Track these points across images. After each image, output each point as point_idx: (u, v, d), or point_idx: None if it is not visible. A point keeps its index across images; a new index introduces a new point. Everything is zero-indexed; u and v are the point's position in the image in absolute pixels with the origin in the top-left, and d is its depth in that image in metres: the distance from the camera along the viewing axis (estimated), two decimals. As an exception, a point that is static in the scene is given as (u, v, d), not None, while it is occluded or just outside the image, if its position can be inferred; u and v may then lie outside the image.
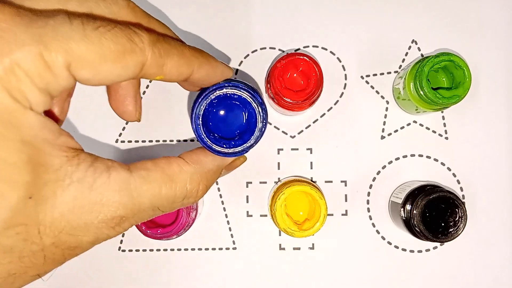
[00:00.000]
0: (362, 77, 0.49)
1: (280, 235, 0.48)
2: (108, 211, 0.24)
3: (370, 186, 0.49)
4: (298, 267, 0.48)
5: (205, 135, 0.30)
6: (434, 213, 0.43)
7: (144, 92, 0.49)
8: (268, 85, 0.43)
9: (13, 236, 0.21)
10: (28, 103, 0.21)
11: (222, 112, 0.31)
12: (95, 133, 0.49)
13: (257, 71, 0.49)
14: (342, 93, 0.49)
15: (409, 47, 0.49)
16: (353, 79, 0.49)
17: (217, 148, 0.30)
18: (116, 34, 0.22)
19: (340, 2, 0.49)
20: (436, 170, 0.48)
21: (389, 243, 0.48)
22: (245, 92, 0.29)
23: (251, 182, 0.49)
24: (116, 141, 0.49)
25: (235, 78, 0.49)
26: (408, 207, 0.44)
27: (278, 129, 0.49)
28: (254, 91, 0.30)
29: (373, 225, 0.48)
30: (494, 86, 0.49)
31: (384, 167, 0.49)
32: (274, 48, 0.49)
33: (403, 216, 0.44)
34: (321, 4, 0.49)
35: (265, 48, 0.49)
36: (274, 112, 0.49)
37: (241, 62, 0.49)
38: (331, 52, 0.49)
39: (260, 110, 0.30)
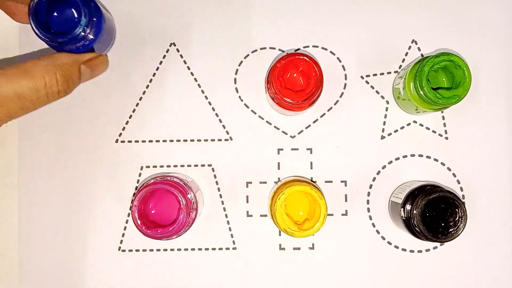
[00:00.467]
0: (362, 77, 0.49)
1: (280, 235, 0.48)
2: None
3: (370, 186, 0.49)
4: (298, 267, 0.48)
5: (38, 30, 0.37)
6: (434, 213, 0.43)
7: (144, 92, 0.49)
8: (268, 85, 0.43)
9: None
10: None
11: (56, 14, 0.39)
12: (95, 133, 0.49)
13: (257, 71, 0.49)
14: (342, 93, 0.49)
15: (409, 47, 0.49)
16: (353, 79, 0.49)
17: (45, 38, 0.37)
18: None
19: (340, 2, 0.49)
20: (436, 170, 0.48)
21: (389, 243, 0.48)
22: None
23: (251, 182, 0.49)
24: (116, 141, 0.49)
25: (235, 78, 0.49)
26: (408, 207, 0.44)
27: (278, 129, 0.49)
28: None
29: (373, 225, 0.48)
30: (494, 86, 0.49)
31: (384, 167, 0.49)
32: (274, 48, 0.49)
33: (403, 216, 0.44)
34: (321, 4, 0.49)
35: (265, 48, 0.49)
36: (274, 112, 0.49)
37: (241, 62, 0.49)
38: (331, 52, 0.49)
39: (84, 3, 0.37)
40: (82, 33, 0.37)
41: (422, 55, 0.49)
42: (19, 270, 0.48)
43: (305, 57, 0.42)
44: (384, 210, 0.48)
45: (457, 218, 0.43)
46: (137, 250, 0.48)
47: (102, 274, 0.48)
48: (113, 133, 0.49)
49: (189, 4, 0.49)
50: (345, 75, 0.49)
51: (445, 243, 0.48)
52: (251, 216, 0.48)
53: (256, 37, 0.49)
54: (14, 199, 0.48)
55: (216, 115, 0.49)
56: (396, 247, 0.48)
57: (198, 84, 0.49)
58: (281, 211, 0.43)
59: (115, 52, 0.49)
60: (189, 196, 0.43)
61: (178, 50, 0.49)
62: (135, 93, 0.49)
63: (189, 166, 0.49)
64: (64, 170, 0.48)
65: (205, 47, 0.49)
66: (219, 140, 0.49)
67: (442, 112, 0.49)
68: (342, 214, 0.48)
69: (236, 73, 0.49)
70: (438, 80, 0.45)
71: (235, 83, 0.49)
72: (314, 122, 0.49)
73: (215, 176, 0.49)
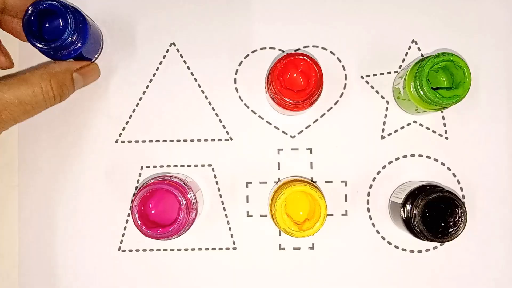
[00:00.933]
0: (362, 77, 0.49)
1: (280, 235, 0.48)
2: None
3: (370, 186, 0.49)
4: (298, 267, 0.48)
5: (31, 39, 0.42)
6: (434, 213, 0.43)
7: (144, 92, 0.49)
8: (268, 85, 0.43)
9: None
10: None
11: (47, 25, 0.44)
12: (95, 133, 0.49)
13: (257, 71, 0.49)
14: (342, 93, 0.49)
15: (409, 47, 0.49)
16: (353, 79, 0.49)
17: (39, 45, 0.42)
18: None
19: (340, 2, 0.49)
20: (436, 170, 0.48)
21: (389, 243, 0.48)
22: (56, 2, 0.42)
23: (251, 182, 0.49)
24: (116, 141, 0.49)
25: (235, 78, 0.49)
26: (408, 207, 0.44)
27: (278, 129, 0.49)
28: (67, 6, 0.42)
29: (373, 225, 0.48)
30: (494, 86, 0.49)
31: (384, 167, 0.49)
32: (274, 48, 0.49)
33: (403, 216, 0.44)
34: (321, 4, 0.49)
35: (265, 48, 0.49)
36: (274, 112, 0.49)
37: (241, 62, 0.49)
38: (331, 52, 0.49)
39: (69, 13, 0.42)
40: (70, 38, 0.42)
41: (422, 55, 0.49)
42: (19, 270, 0.48)
43: (305, 57, 0.42)
44: (384, 210, 0.48)
45: (457, 218, 0.43)
46: (137, 250, 0.48)
47: (102, 274, 0.48)
48: (113, 133, 0.49)
49: (189, 4, 0.49)
50: (345, 75, 0.49)
51: (445, 243, 0.48)
52: (251, 216, 0.48)
53: (256, 37, 0.49)
54: (14, 199, 0.48)
55: (216, 115, 0.49)
56: (396, 247, 0.48)
57: (198, 84, 0.49)
58: (281, 211, 0.43)
59: (115, 52, 0.49)
60: (189, 196, 0.43)
61: (178, 50, 0.49)
62: (135, 93, 0.49)
63: (189, 166, 0.49)
64: (64, 170, 0.48)
65: (205, 47, 0.49)
66: (219, 140, 0.49)
67: (442, 112, 0.49)
68: (342, 214, 0.48)
69: (236, 73, 0.49)
70: (438, 80, 0.45)
71: (235, 83, 0.49)
72: (314, 122, 0.49)
73: (215, 176, 0.49)
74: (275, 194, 0.44)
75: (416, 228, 0.43)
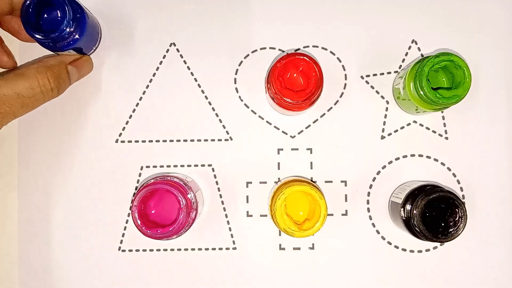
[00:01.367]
0: (362, 77, 0.49)
1: (280, 235, 0.48)
2: None
3: (370, 186, 0.49)
4: (298, 267, 0.48)
5: (29, 30, 0.42)
6: (434, 213, 0.43)
7: (144, 92, 0.49)
8: (268, 85, 0.43)
9: None
10: None
11: (46, 15, 0.44)
12: (95, 133, 0.49)
13: (257, 71, 0.49)
14: (342, 93, 0.49)
15: (409, 47, 0.49)
16: (353, 79, 0.49)
17: (37, 36, 0.42)
18: None
19: (340, 2, 0.49)
20: (436, 170, 0.48)
21: (389, 243, 0.48)
22: None
23: (251, 182, 0.49)
24: (116, 141, 0.49)
25: (235, 78, 0.49)
26: (408, 207, 0.44)
27: (278, 129, 0.49)
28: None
29: (373, 225, 0.48)
30: (494, 86, 0.49)
31: (384, 167, 0.49)
32: (274, 48, 0.49)
33: (403, 216, 0.44)
34: (321, 4, 0.49)
35: (265, 48, 0.49)
36: (274, 112, 0.49)
37: (241, 62, 0.49)
38: (331, 52, 0.49)
39: (67, 3, 0.42)
40: (68, 29, 0.42)
41: (422, 55, 0.49)
42: (19, 270, 0.48)
43: (305, 57, 0.42)
44: (384, 210, 0.48)
45: (457, 218, 0.43)
46: (137, 250, 0.48)
47: (102, 274, 0.48)
48: (113, 133, 0.49)
49: (189, 4, 0.49)
50: (345, 75, 0.49)
51: (445, 243, 0.48)
52: (251, 216, 0.48)
53: (256, 37, 0.49)
54: (14, 199, 0.48)
55: (216, 115, 0.49)
56: (396, 247, 0.48)
57: (198, 84, 0.49)
58: (281, 211, 0.43)
59: (115, 52, 0.49)
60: (189, 196, 0.43)
61: (178, 50, 0.49)
62: (135, 93, 0.49)
63: (189, 166, 0.49)
64: (64, 170, 0.48)
65: (205, 47, 0.49)
66: (219, 140, 0.49)
67: (442, 112, 0.49)
68: (342, 214, 0.48)
69: (236, 73, 0.49)
70: (438, 80, 0.45)
71: (235, 83, 0.49)
72: (314, 122, 0.49)
73: (215, 176, 0.49)
74: (275, 194, 0.44)
75: (416, 228, 0.43)
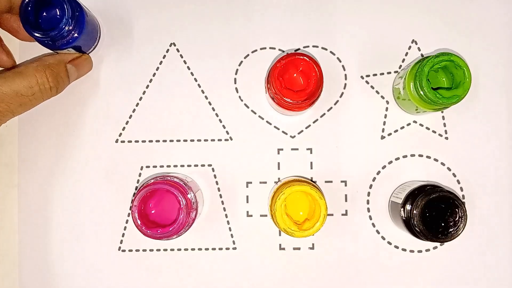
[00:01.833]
0: (362, 77, 0.49)
1: (280, 235, 0.48)
2: None
3: (370, 186, 0.49)
4: (298, 267, 0.48)
5: (28, 28, 0.42)
6: (434, 213, 0.43)
7: (144, 92, 0.49)
8: (268, 85, 0.43)
9: None
10: None
11: (45, 14, 0.44)
12: (95, 133, 0.49)
13: (257, 71, 0.49)
14: (342, 93, 0.49)
15: (409, 47, 0.49)
16: (353, 79, 0.49)
17: (36, 34, 0.42)
18: None
19: (340, 2, 0.49)
20: (436, 170, 0.48)
21: (389, 243, 0.48)
22: None
23: (251, 182, 0.49)
24: (116, 141, 0.49)
25: (235, 78, 0.49)
26: (408, 207, 0.44)
27: (278, 129, 0.49)
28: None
29: (373, 225, 0.48)
30: (494, 86, 0.49)
31: (384, 167, 0.49)
32: (274, 48, 0.49)
33: (403, 216, 0.44)
34: (321, 4, 0.49)
35: (265, 48, 0.49)
36: (274, 112, 0.49)
37: (241, 62, 0.49)
38: (331, 52, 0.49)
39: (65, 1, 0.42)
40: (68, 27, 0.43)
41: (422, 55, 0.49)
42: (19, 270, 0.48)
43: (305, 57, 0.42)
44: (384, 210, 0.48)
45: (457, 218, 0.43)
46: (137, 250, 0.48)
47: (102, 274, 0.48)
48: (113, 133, 0.49)
49: (189, 4, 0.49)
50: (345, 75, 0.49)
51: (445, 243, 0.48)
52: (251, 216, 0.48)
53: (256, 37, 0.49)
54: (14, 199, 0.48)
55: (216, 115, 0.49)
56: (396, 247, 0.48)
57: (198, 84, 0.49)
58: (281, 211, 0.43)
59: (115, 52, 0.49)
60: (189, 196, 0.43)
61: (178, 50, 0.49)
62: (135, 93, 0.49)
63: (189, 166, 0.49)
64: (64, 170, 0.48)
65: (205, 47, 0.49)
66: (219, 140, 0.49)
67: (442, 112, 0.49)
68: (342, 214, 0.48)
69: (236, 73, 0.49)
70: (438, 80, 0.45)
71: (235, 83, 0.49)
72: (314, 122, 0.49)
73: (215, 176, 0.49)
74: (275, 194, 0.44)
75: (416, 228, 0.43)
